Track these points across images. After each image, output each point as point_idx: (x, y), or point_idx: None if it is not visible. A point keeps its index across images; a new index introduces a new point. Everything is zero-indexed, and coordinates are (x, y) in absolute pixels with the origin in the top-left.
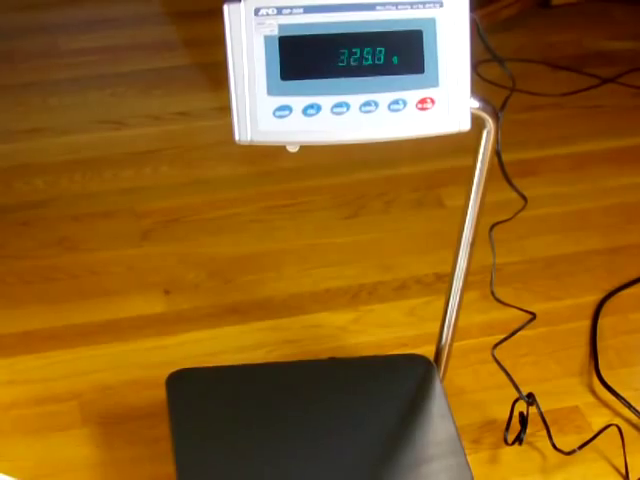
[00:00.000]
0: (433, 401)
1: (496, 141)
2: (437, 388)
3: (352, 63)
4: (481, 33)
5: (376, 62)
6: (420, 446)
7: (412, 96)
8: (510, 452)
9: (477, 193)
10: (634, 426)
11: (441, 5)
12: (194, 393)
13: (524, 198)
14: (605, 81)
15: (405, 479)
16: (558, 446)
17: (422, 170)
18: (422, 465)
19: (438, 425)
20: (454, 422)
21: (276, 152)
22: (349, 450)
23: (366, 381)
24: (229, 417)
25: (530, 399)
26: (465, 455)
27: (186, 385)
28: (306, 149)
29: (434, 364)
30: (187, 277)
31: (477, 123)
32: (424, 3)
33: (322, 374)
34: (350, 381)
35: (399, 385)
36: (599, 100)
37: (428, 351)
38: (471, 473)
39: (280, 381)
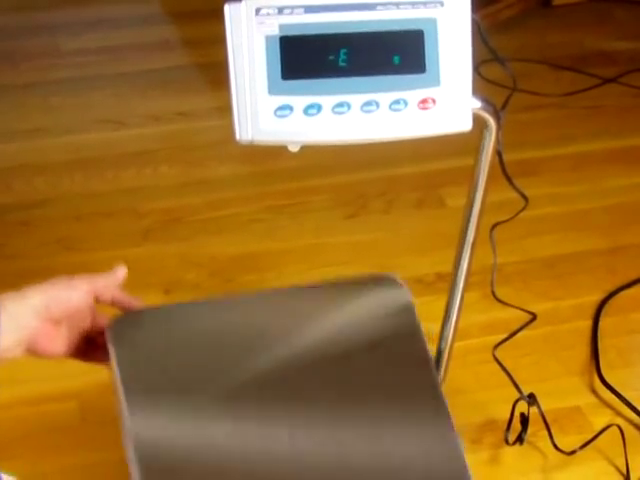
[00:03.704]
0: (402, 322)
1: (497, 141)
2: (408, 309)
3: (353, 63)
4: (482, 33)
5: (377, 62)
6: (392, 375)
7: (413, 96)
8: (511, 452)
9: (478, 193)
10: (635, 426)
11: (442, 5)
12: (141, 338)
13: (525, 198)
14: (606, 81)
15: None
16: (559, 446)
17: (423, 170)
18: (394, 399)
19: (408, 345)
20: (424, 340)
21: (276, 152)
22: (314, 388)
23: (331, 307)
24: (182, 360)
25: (531, 399)
26: (438, 380)
27: (131, 330)
28: (307, 149)
29: (403, 284)
30: (187, 277)
31: (478, 123)
32: (425, 3)
33: (282, 304)
34: (313, 309)
35: (367, 310)
36: (600, 100)
37: None
38: (445, 403)
39: (238, 315)
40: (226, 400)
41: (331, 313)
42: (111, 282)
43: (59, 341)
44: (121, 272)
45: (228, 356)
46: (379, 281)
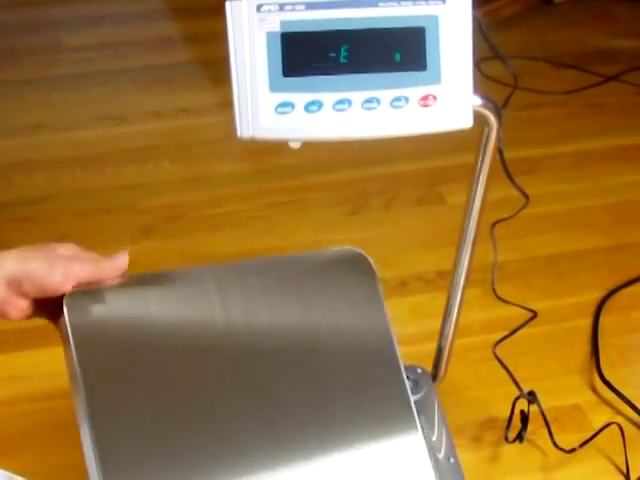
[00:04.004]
0: (367, 298)
1: (498, 138)
2: (372, 285)
3: (354, 60)
4: (484, 30)
5: (378, 59)
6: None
7: (414, 93)
8: (511, 450)
9: (479, 190)
10: (635, 424)
11: (444, 2)
12: (96, 315)
13: (526, 196)
14: (608, 79)
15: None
16: (559, 444)
17: (423, 167)
18: (359, 381)
19: (369, 314)
20: (385, 313)
21: (277, 149)
22: (274, 369)
23: (294, 281)
24: (140, 338)
25: (531, 397)
26: (399, 360)
27: (86, 307)
28: (307, 146)
29: (369, 258)
30: None
31: (479, 120)
32: (427, 0)
33: (243, 277)
34: (274, 282)
35: (331, 285)
36: (602, 98)
37: (429, 348)
38: (406, 387)
39: (197, 289)
40: (185, 379)
41: (294, 288)
42: (107, 272)
43: (25, 310)
44: (121, 260)
45: (185, 333)
46: (345, 255)
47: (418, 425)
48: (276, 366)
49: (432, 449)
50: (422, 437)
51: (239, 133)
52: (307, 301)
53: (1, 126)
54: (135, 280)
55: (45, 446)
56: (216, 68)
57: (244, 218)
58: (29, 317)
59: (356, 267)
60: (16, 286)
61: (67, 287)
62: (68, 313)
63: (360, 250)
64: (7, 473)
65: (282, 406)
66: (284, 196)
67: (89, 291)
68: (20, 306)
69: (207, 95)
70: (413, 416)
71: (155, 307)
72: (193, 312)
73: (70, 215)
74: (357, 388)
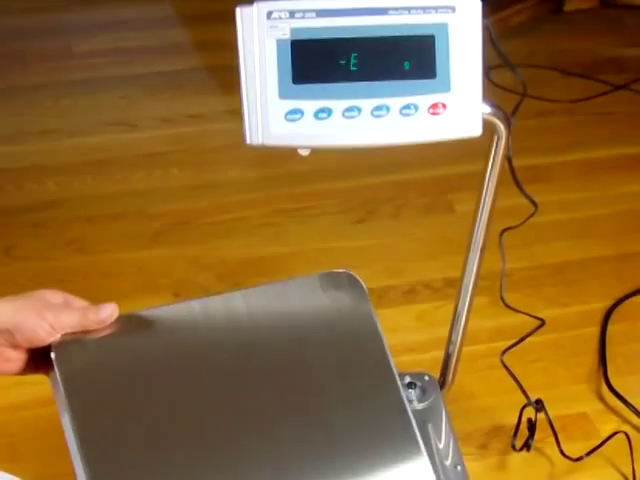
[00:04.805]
0: (360, 321)
1: (507, 147)
2: (365, 308)
3: (364, 67)
4: (493, 38)
5: (388, 67)
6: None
7: (424, 101)
8: (518, 458)
9: (487, 198)
10: None
11: (453, 10)
12: (86, 359)
13: (534, 204)
14: (616, 88)
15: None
16: (566, 452)
17: (432, 175)
18: (354, 400)
19: (368, 347)
20: (384, 340)
21: (286, 156)
22: (269, 397)
23: (282, 309)
24: (129, 377)
25: (538, 405)
26: (400, 387)
27: (74, 354)
28: (316, 153)
29: (359, 280)
30: (196, 280)
31: (488, 128)
32: (436, 8)
33: (230, 308)
34: (264, 311)
35: (322, 310)
36: (610, 107)
37: (436, 356)
38: (405, 404)
39: (185, 324)
40: (180, 417)
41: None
42: (94, 323)
43: (15, 363)
44: (108, 311)
45: (176, 370)
46: (335, 277)
47: (422, 447)
48: (273, 400)
49: (439, 457)
50: (427, 459)
51: (248, 140)
52: (299, 331)
53: (11, 131)
54: (123, 320)
55: (52, 452)
56: (226, 75)
57: (253, 225)
58: (23, 371)
59: (347, 290)
60: (7, 338)
61: (55, 334)
62: (57, 361)
63: (349, 271)
64: (13, 478)
65: (280, 433)
66: (293, 203)
67: (76, 338)
68: (9, 357)
69: (216, 102)
70: (416, 438)
71: (143, 347)
72: (183, 348)
73: (80, 220)
74: (357, 415)
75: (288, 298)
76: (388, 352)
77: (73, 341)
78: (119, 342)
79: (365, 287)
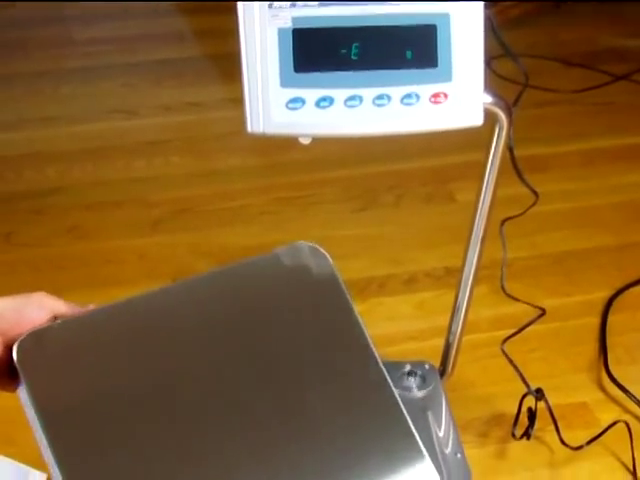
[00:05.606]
0: (330, 292)
1: (508, 136)
2: (333, 279)
3: (365, 56)
4: (495, 28)
5: (389, 56)
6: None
7: (425, 90)
8: (518, 447)
9: (488, 188)
10: None
11: (456, 0)
12: (51, 354)
13: (535, 194)
14: (618, 78)
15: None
16: (566, 441)
17: (433, 164)
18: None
19: (338, 316)
20: (353, 307)
21: (286, 144)
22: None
23: (252, 287)
24: (97, 368)
25: (539, 394)
26: (375, 352)
27: (40, 348)
28: (317, 141)
29: (324, 252)
30: (197, 267)
31: (489, 118)
32: None
33: (197, 293)
34: (231, 295)
35: (291, 284)
36: (611, 97)
37: (437, 344)
38: (385, 377)
39: (154, 312)
40: (156, 409)
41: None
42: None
43: None
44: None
45: (148, 360)
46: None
47: (421, 447)
48: (252, 385)
49: (439, 444)
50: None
51: (249, 128)
52: (270, 313)
53: (12, 118)
54: (90, 314)
55: None
56: (227, 63)
57: (253, 213)
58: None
59: (315, 264)
60: None
61: (43, 318)
62: (18, 358)
63: (314, 244)
64: (16, 464)
65: (262, 419)
66: (293, 191)
67: (40, 331)
68: None
69: (217, 90)
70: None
71: (109, 339)
72: (150, 338)
73: (80, 208)
74: (336, 390)
75: (252, 277)
76: (361, 322)
77: (35, 342)
78: (85, 333)
79: (328, 255)
